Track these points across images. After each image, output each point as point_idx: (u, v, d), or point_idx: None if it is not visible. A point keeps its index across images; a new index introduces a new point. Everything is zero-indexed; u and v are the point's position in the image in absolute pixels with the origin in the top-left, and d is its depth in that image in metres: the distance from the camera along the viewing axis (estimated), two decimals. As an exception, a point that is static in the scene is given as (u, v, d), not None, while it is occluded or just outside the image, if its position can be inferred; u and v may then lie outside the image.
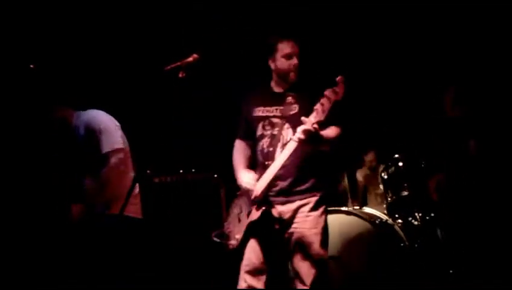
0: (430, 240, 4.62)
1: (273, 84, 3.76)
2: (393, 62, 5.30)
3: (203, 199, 5.07)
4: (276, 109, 3.67)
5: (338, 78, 3.31)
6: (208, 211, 5.00)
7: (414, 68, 5.26)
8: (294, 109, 3.61)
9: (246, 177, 3.63)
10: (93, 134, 4.01)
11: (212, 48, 4.81)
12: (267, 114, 3.69)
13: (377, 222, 4.60)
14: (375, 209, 4.79)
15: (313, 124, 3.32)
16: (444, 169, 4.60)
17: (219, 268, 4.89)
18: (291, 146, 3.42)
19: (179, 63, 3.35)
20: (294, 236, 3.57)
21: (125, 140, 4.15)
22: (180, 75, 3.33)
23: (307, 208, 3.58)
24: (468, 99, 4.60)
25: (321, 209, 3.61)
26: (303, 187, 3.60)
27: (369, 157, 5.23)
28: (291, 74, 3.63)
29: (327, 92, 3.29)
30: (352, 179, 4.98)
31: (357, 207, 4.75)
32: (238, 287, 3.66)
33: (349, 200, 4.83)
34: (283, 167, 3.47)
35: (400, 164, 4.78)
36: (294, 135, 3.42)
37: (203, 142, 5.31)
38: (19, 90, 4.62)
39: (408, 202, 4.75)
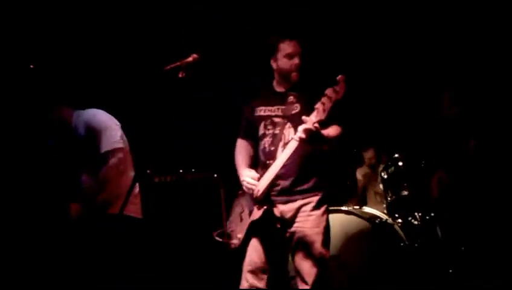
0: (430, 240, 4.62)
1: (275, 83, 3.77)
2: (393, 62, 5.30)
3: (203, 199, 5.08)
4: (278, 109, 3.68)
5: (339, 77, 3.32)
6: (208, 210, 5.00)
7: (413, 68, 5.26)
8: (296, 108, 3.62)
9: (247, 177, 3.63)
10: (93, 133, 4.00)
11: (212, 48, 4.81)
12: (269, 113, 3.70)
13: (376, 221, 4.60)
14: (375, 208, 4.79)
15: (314, 123, 3.32)
16: (445, 167, 4.61)
17: (219, 268, 4.90)
18: (293, 145, 3.43)
19: (178, 63, 3.35)
20: (296, 235, 3.58)
21: (125, 139, 4.15)
22: (180, 75, 3.33)
23: (309, 207, 3.59)
24: (466, 99, 4.60)
25: (323, 209, 3.62)
26: (304, 186, 3.61)
27: (369, 154, 5.23)
28: (293, 74, 3.64)
29: (328, 91, 3.29)
30: (352, 178, 4.98)
31: (357, 207, 4.75)
32: (241, 286, 3.67)
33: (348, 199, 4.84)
34: (284, 166, 3.48)
35: (400, 163, 4.78)
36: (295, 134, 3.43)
37: (203, 142, 5.31)
38: (18, 90, 4.62)
39: (408, 201, 4.75)
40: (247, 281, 3.63)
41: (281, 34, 3.69)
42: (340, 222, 4.46)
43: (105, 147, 3.98)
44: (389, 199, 4.79)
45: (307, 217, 3.58)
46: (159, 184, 5.04)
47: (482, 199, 4.42)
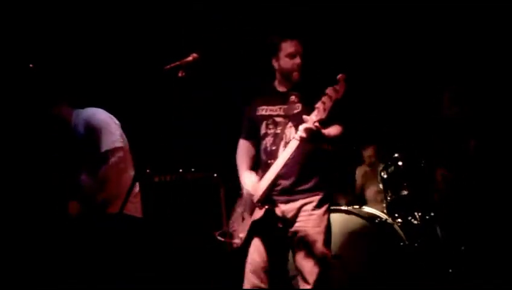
0: (429, 240, 4.62)
1: (276, 83, 3.77)
2: (393, 62, 5.30)
3: (203, 199, 5.08)
4: (280, 108, 3.68)
5: (339, 77, 3.32)
6: (208, 210, 5.00)
7: (413, 68, 5.26)
8: (298, 108, 3.63)
9: (248, 180, 3.65)
10: (93, 132, 4.01)
11: (212, 48, 4.81)
12: (271, 113, 3.70)
13: (376, 221, 4.60)
14: (375, 208, 4.79)
15: (315, 122, 3.33)
16: (445, 165, 4.61)
17: (219, 267, 4.90)
18: (293, 145, 3.43)
19: (178, 63, 3.35)
20: (298, 235, 3.58)
21: (125, 138, 4.15)
22: (180, 75, 3.33)
23: (310, 206, 3.59)
24: (466, 99, 4.61)
25: (324, 208, 3.62)
26: (306, 186, 3.61)
27: (368, 152, 5.24)
28: (295, 73, 3.64)
29: (328, 91, 3.29)
30: (351, 177, 4.99)
31: (357, 206, 4.76)
32: (243, 286, 3.67)
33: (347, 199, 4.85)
34: (285, 165, 3.48)
35: (400, 163, 4.79)
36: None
37: (203, 142, 5.31)
38: (18, 89, 4.62)
39: (408, 201, 4.75)
40: (249, 281, 3.63)
41: (283, 33, 3.69)
42: (340, 221, 4.46)
43: (105, 146, 3.98)
44: (388, 198, 4.79)
45: (308, 217, 3.58)
46: (159, 184, 5.04)
47: (482, 199, 4.42)
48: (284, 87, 3.73)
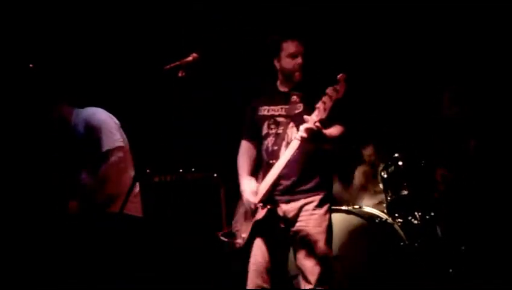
0: (429, 239, 4.61)
1: (278, 83, 3.78)
2: (393, 62, 5.30)
3: (203, 199, 5.08)
4: (281, 108, 3.69)
5: (339, 76, 3.32)
6: (208, 210, 5.01)
7: (413, 68, 5.26)
8: (299, 108, 3.63)
9: (247, 187, 3.65)
10: (93, 132, 4.01)
11: (212, 48, 4.81)
12: (272, 113, 3.71)
13: (376, 221, 4.60)
14: (375, 208, 4.79)
15: (315, 122, 3.33)
16: (445, 164, 4.61)
17: (219, 267, 4.90)
18: (294, 145, 3.44)
19: (178, 63, 3.36)
20: (299, 235, 3.60)
21: (125, 138, 4.16)
22: (180, 75, 3.33)
23: (311, 206, 3.60)
24: (466, 99, 4.61)
25: (325, 208, 3.64)
26: (307, 186, 3.62)
27: (368, 151, 5.23)
28: (296, 73, 3.65)
29: (328, 90, 3.31)
30: (349, 177, 4.99)
31: (357, 206, 4.76)
32: (247, 287, 3.69)
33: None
34: (287, 165, 3.49)
35: (400, 163, 4.78)
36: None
37: (203, 142, 5.31)
38: (18, 89, 4.62)
39: (408, 201, 4.75)
40: (253, 281, 3.65)
41: (284, 34, 3.69)
42: (340, 221, 4.46)
43: (106, 145, 3.99)
44: (389, 198, 4.79)
45: (309, 216, 3.59)
46: (159, 184, 5.05)
47: (482, 199, 4.42)
48: (285, 87, 3.74)
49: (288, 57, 3.63)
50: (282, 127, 3.63)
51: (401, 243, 4.51)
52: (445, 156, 4.66)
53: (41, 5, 5.06)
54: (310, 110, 3.42)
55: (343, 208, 4.65)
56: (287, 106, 3.66)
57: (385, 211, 4.77)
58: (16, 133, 4.89)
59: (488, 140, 4.49)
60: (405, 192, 4.73)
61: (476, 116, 4.54)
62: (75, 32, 5.21)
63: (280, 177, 3.54)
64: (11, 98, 4.79)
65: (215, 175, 5.05)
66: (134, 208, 4.07)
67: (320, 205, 3.61)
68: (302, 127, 3.36)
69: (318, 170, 3.65)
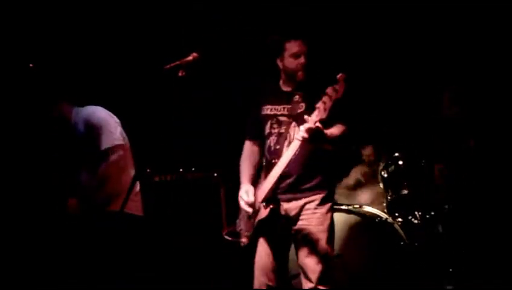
0: (430, 239, 4.62)
1: (281, 83, 3.79)
2: (393, 62, 5.30)
3: (203, 198, 5.08)
4: (284, 108, 3.70)
5: (339, 76, 3.33)
6: (208, 210, 5.01)
7: (413, 68, 5.26)
8: (301, 107, 3.64)
9: (243, 195, 3.66)
10: (93, 130, 4.01)
11: (212, 48, 4.82)
12: (275, 112, 3.72)
13: (376, 220, 4.60)
14: (375, 207, 4.79)
15: (315, 122, 3.34)
16: (443, 161, 4.62)
17: (220, 267, 4.91)
18: (295, 145, 3.45)
19: (178, 62, 3.35)
20: (301, 233, 3.62)
21: (125, 137, 4.16)
22: (180, 74, 3.33)
23: (313, 205, 3.62)
24: (466, 99, 4.61)
25: (327, 207, 3.65)
26: (309, 185, 3.64)
27: (367, 151, 5.23)
28: (299, 73, 3.65)
29: (328, 90, 3.31)
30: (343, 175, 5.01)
31: (357, 206, 4.76)
32: (254, 285, 3.72)
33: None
34: (288, 164, 3.50)
35: (400, 162, 4.79)
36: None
37: (203, 142, 5.31)
38: (19, 87, 4.63)
39: (408, 200, 4.75)
40: (258, 280, 3.69)
41: (287, 33, 3.70)
42: (340, 220, 4.45)
43: (106, 143, 3.99)
44: (389, 197, 4.79)
45: (311, 215, 3.61)
46: (159, 183, 5.05)
47: (482, 199, 4.42)
48: (288, 86, 3.74)
49: (291, 56, 3.64)
50: (284, 127, 3.64)
51: (401, 243, 4.51)
52: (445, 156, 4.66)
53: (41, 5, 5.06)
54: (312, 109, 3.43)
55: (344, 207, 4.65)
56: (289, 106, 3.67)
57: (385, 210, 4.78)
58: (16, 132, 4.89)
59: (488, 140, 4.49)
60: (405, 191, 4.74)
61: (476, 116, 4.54)
62: (76, 31, 5.21)
63: (282, 176, 3.55)
64: (11, 98, 4.79)
65: (216, 175, 5.05)
66: (135, 207, 4.07)
67: (321, 203, 3.63)
68: (303, 127, 3.37)
69: (319, 169, 3.66)
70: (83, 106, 4.20)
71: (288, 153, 3.47)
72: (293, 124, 3.61)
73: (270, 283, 3.66)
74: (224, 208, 4.88)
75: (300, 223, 3.62)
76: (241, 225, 3.74)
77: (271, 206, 3.55)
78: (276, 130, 3.68)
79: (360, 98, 4.59)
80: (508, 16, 4.79)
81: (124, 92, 5.16)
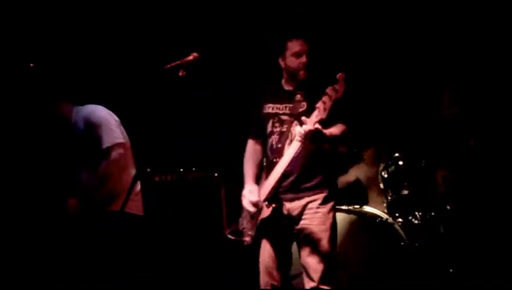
0: (430, 239, 4.62)
1: (283, 82, 3.80)
2: (393, 62, 5.30)
3: (203, 198, 5.08)
4: (286, 107, 3.71)
5: (338, 76, 3.33)
6: (208, 210, 5.01)
7: (413, 68, 5.26)
8: (303, 106, 3.65)
9: (247, 195, 3.68)
10: (93, 129, 4.01)
11: (212, 48, 4.82)
12: (277, 111, 3.74)
13: (377, 220, 4.60)
14: (376, 207, 4.79)
15: (315, 122, 3.34)
16: (445, 165, 4.62)
17: (220, 267, 4.90)
18: (296, 145, 3.46)
19: (179, 62, 3.36)
20: (303, 233, 3.63)
21: (126, 135, 4.16)
22: (180, 74, 3.33)
23: (315, 204, 3.63)
24: (466, 99, 4.61)
25: (329, 206, 3.66)
26: (310, 184, 3.65)
27: (369, 154, 5.22)
28: (301, 72, 3.66)
29: (328, 90, 3.32)
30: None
31: (357, 206, 4.76)
32: (260, 286, 3.75)
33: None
34: (290, 164, 3.50)
35: (400, 162, 4.79)
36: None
37: (203, 142, 5.31)
38: (19, 87, 4.63)
39: (408, 200, 4.75)
40: (263, 280, 3.72)
41: (289, 33, 3.70)
42: (341, 220, 4.44)
43: (106, 142, 3.98)
44: (389, 198, 4.79)
45: (313, 215, 3.62)
46: (160, 183, 5.04)
47: (482, 199, 4.42)
48: (290, 85, 3.75)
49: (293, 55, 3.65)
50: (286, 126, 3.66)
51: (402, 243, 4.51)
52: (445, 156, 4.66)
53: (41, 4, 5.06)
54: (313, 109, 3.44)
55: (344, 207, 4.65)
56: (291, 105, 3.68)
57: (385, 210, 4.78)
58: (16, 132, 4.89)
59: (488, 140, 4.49)
60: (405, 192, 4.74)
61: (476, 116, 4.54)
62: (76, 31, 5.21)
63: (284, 176, 3.56)
64: (12, 97, 4.79)
65: (216, 175, 5.05)
66: (136, 206, 4.07)
67: (324, 203, 3.64)
68: (302, 129, 3.37)
69: (321, 168, 3.67)
70: (83, 105, 4.20)
71: (290, 152, 3.48)
72: (295, 122, 3.61)
73: (275, 283, 3.68)
74: (225, 208, 4.88)
75: (303, 223, 3.63)
76: (244, 223, 3.75)
77: (273, 205, 3.57)
78: (278, 129, 3.69)
79: (360, 98, 4.59)
80: (508, 16, 4.79)
81: (124, 92, 5.16)
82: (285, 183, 3.61)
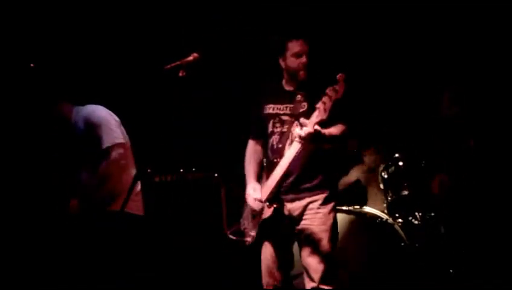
0: (430, 240, 4.62)
1: (283, 82, 3.80)
2: (393, 62, 5.30)
3: (204, 199, 5.08)
4: (286, 107, 3.72)
5: (338, 76, 3.34)
6: (208, 210, 5.01)
7: (413, 68, 5.27)
8: (304, 106, 3.65)
9: (251, 192, 3.70)
10: (93, 129, 4.00)
11: (212, 48, 4.81)
12: (277, 112, 3.74)
13: (377, 221, 4.61)
14: (376, 208, 4.79)
15: (315, 124, 3.35)
16: (445, 169, 4.61)
17: (220, 267, 4.91)
18: (296, 146, 3.46)
19: (179, 62, 3.35)
20: (304, 233, 3.63)
21: (126, 135, 4.15)
22: (180, 74, 3.33)
23: (316, 204, 3.64)
24: (466, 99, 4.61)
25: (330, 206, 3.67)
26: (311, 184, 3.66)
27: (370, 158, 5.22)
28: (301, 72, 3.67)
29: (328, 91, 3.32)
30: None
31: (357, 206, 4.76)
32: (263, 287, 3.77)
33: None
34: (290, 164, 3.51)
35: (400, 163, 4.79)
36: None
37: (203, 142, 5.31)
38: (19, 87, 4.62)
39: (408, 201, 4.75)
40: (265, 280, 3.74)
41: (289, 33, 3.71)
42: (341, 221, 4.44)
43: (106, 142, 3.98)
44: (389, 198, 4.79)
45: (314, 215, 3.63)
46: (160, 184, 5.05)
47: (482, 199, 4.42)
48: (291, 86, 3.76)
49: (293, 56, 3.65)
50: (287, 126, 3.66)
51: (402, 244, 4.52)
52: (445, 156, 4.66)
53: (41, 4, 5.06)
54: (314, 109, 3.44)
55: (344, 208, 4.66)
56: (291, 105, 3.69)
57: (385, 211, 4.78)
58: (17, 132, 4.89)
59: (488, 140, 4.49)
60: (405, 192, 4.74)
61: (476, 116, 4.54)
62: (76, 31, 5.21)
63: (284, 176, 3.56)
64: (12, 98, 4.78)
65: (216, 175, 5.05)
66: (136, 206, 4.07)
67: (324, 203, 3.65)
68: (302, 132, 3.37)
69: (321, 168, 3.68)
70: (83, 105, 4.20)
71: (290, 153, 3.49)
72: (295, 123, 3.61)
73: (276, 283, 3.70)
74: (225, 208, 4.88)
75: (303, 223, 3.64)
76: (246, 224, 3.76)
77: (274, 205, 3.57)
78: (278, 129, 3.70)
79: (360, 98, 4.59)
80: (508, 16, 4.79)
81: (125, 92, 5.16)
82: (285, 184, 3.62)
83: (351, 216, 4.58)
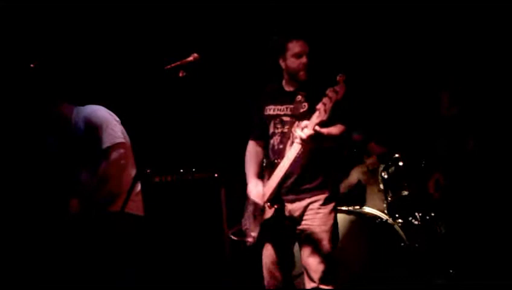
0: (430, 240, 4.62)
1: (284, 83, 3.80)
2: (393, 62, 5.31)
3: (204, 199, 5.08)
4: (287, 108, 3.72)
5: (338, 77, 3.34)
6: (208, 210, 5.01)
7: (413, 68, 5.27)
8: (304, 107, 3.65)
9: (254, 189, 3.70)
10: (93, 129, 4.00)
11: (213, 48, 4.82)
12: (278, 112, 3.74)
13: (377, 221, 4.61)
14: (375, 208, 4.79)
15: (315, 125, 3.35)
16: (442, 168, 4.62)
17: (220, 267, 4.91)
18: (296, 148, 3.47)
19: (179, 63, 3.35)
20: (304, 233, 3.64)
21: (126, 135, 4.15)
22: (181, 75, 3.33)
23: (317, 205, 3.64)
24: (466, 99, 4.61)
25: (330, 206, 3.67)
26: (311, 185, 3.66)
27: (370, 160, 5.23)
28: (301, 73, 3.67)
29: (328, 92, 3.32)
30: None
31: (357, 206, 4.77)
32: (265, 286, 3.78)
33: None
34: (291, 165, 3.51)
35: (400, 163, 4.80)
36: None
37: (203, 142, 5.31)
38: (19, 87, 4.62)
39: (408, 201, 4.76)
40: (267, 281, 3.75)
41: (288, 33, 3.71)
42: (340, 221, 4.44)
43: (106, 142, 3.98)
44: (389, 198, 4.80)
45: (314, 215, 3.63)
46: (160, 184, 5.05)
47: (482, 199, 4.43)
48: (291, 86, 3.76)
49: (294, 56, 3.65)
50: (287, 126, 3.66)
51: (402, 244, 4.52)
52: (444, 155, 4.66)
53: (41, 4, 5.06)
54: (314, 110, 3.44)
55: (344, 208, 4.66)
56: (292, 106, 3.68)
57: (385, 211, 4.78)
58: (17, 132, 4.88)
59: (488, 140, 4.49)
60: (405, 192, 4.75)
61: (475, 116, 4.54)
62: (76, 31, 5.21)
63: (285, 177, 3.56)
64: (12, 98, 4.78)
65: (216, 175, 5.05)
66: (136, 206, 4.06)
67: (325, 203, 3.65)
68: (303, 133, 3.38)
69: (322, 168, 3.68)
70: (83, 105, 4.19)
71: (291, 153, 3.49)
72: (296, 123, 3.62)
73: (277, 283, 3.71)
74: (225, 208, 4.88)
75: (304, 223, 3.64)
76: (247, 224, 3.76)
77: (275, 206, 3.58)
78: (279, 130, 3.70)
79: (360, 99, 4.59)
80: (508, 16, 4.79)
81: (125, 92, 5.16)
82: (286, 184, 3.62)
83: (351, 216, 4.59)
